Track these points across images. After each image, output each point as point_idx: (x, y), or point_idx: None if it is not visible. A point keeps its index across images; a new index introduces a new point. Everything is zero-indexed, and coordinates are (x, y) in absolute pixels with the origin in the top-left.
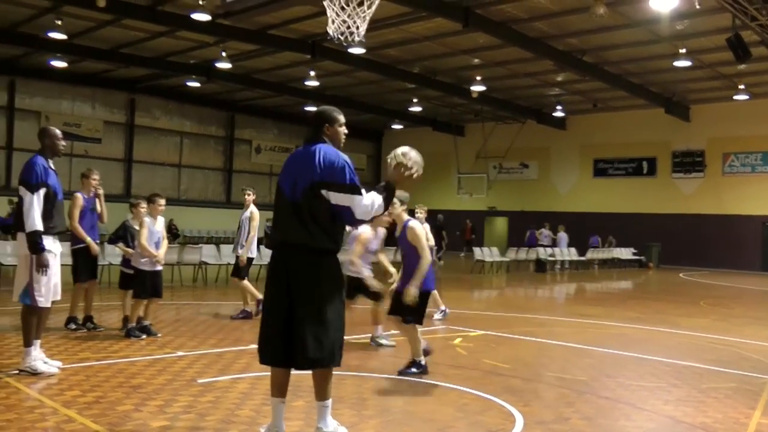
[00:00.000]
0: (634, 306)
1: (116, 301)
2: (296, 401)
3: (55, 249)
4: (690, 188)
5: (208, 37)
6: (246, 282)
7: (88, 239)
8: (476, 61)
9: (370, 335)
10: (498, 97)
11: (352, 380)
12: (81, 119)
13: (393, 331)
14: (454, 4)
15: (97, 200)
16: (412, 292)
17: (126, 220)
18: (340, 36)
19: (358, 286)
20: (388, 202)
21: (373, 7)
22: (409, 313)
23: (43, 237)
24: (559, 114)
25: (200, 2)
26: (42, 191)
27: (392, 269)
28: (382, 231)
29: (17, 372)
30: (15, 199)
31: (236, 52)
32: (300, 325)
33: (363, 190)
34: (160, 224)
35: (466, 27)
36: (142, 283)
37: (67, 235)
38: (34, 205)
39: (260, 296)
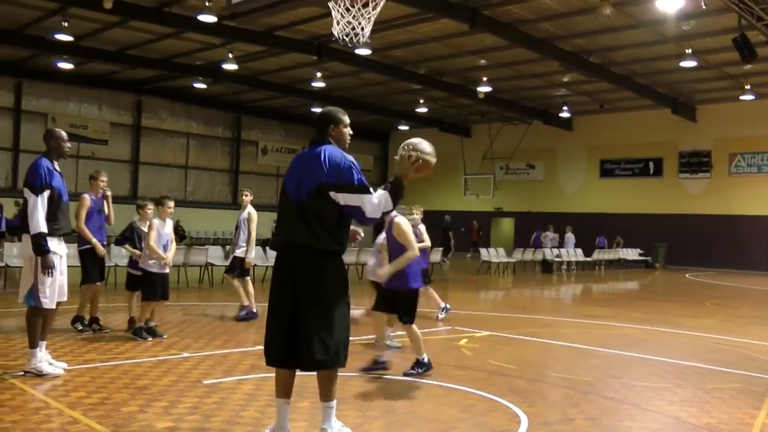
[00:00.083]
0: (639, 307)
1: (122, 302)
2: (301, 402)
3: (60, 250)
4: (696, 189)
5: (214, 38)
6: (247, 281)
7: (94, 240)
8: (483, 62)
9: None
10: (504, 98)
11: (357, 381)
12: (88, 121)
13: (399, 332)
14: (461, 5)
15: (104, 202)
16: (384, 271)
17: (133, 222)
18: (345, 37)
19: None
20: (396, 198)
21: (378, 8)
22: (405, 313)
23: (48, 238)
24: (565, 115)
25: (207, 3)
26: (46, 193)
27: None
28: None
29: (22, 373)
30: (21, 201)
31: (243, 54)
32: (305, 327)
33: (371, 189)
34: (168, 227)
35: (473, 28)
36: (152, 285)
37: (74, 237)
38: (38, 207)
39: (246, 303)
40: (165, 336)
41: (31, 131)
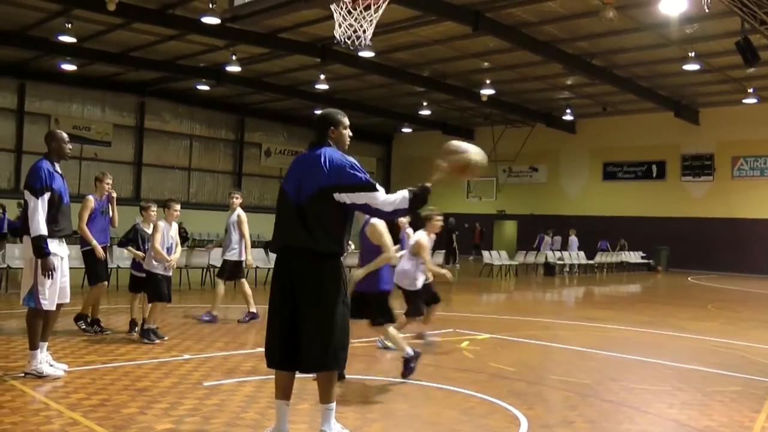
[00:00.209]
0: (641, 309)
1: (124, 304)
2: (301, 404)
3: (61, 252)
4: (699, 192)
5: (218, 40)
6: (244, 283)
7: (94, 242)
8: (486, 64)
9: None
10: (507, 101)
11: (357, 383)
12: (91, 122)
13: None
14: (464, 8)
15: (109, 204)
16: (358, 273)
17: (136, 224)
18: (347, 40)
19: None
20: (416, 203)
21: (380, 11)
22: (379, 315)
23: (49, 240)
24: (568, 117)
25: (210, 6)
26: (46, 196)
27: (442, 270)
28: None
29: (23, 375)
30: (23, 203)
31: (246, 56)
32: (304, 329)
33: (377, 185)
34: (174, 230)
35: (476, 30)
36: (157, 287)
37: (76, 238)
38: (39, 209)
39: (253, 309)
40: (166, 338)
41: (34, 133)
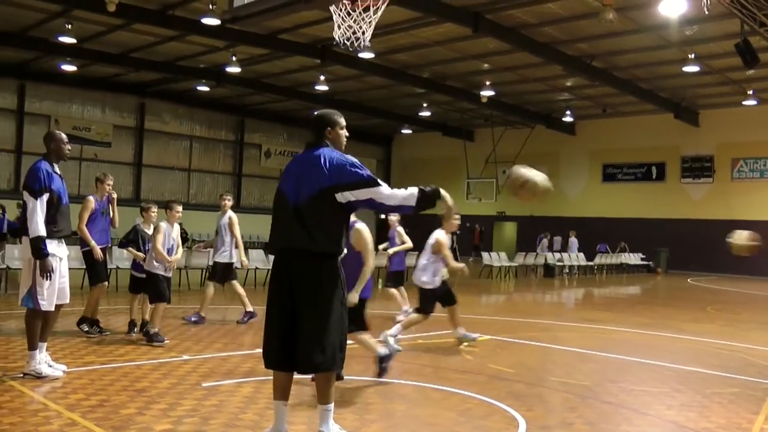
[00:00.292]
0: (641, 311)
1: (123, 305)
2: (299, 405)
3: (60, 253)
4: (699, 194)
5: (218, 41)
6: (241, 290)
7: (92, 243)
8: (486, 66)
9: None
10: (507, 102)
11: (356, 384)
12: (91, 123)
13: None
14: (464, 9)
15: (109, 205)
16: (353, 297)
17: (137, 224)
18: (346, 41)
19: (435, 298)
20: (424, 200)
21: (379, 13)
22: (350, 321)
23: (48, 241)
24: (568, 119)
25: (210, 7)
26: (45, 196)
27: (459, 264)
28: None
29: (22, 375)
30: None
31: (246, 57)
32: (302, 329)
33: (379, 180)
34: (176, 231)
35: (476, 32)
36: (158, 287)
37: (77, 239)
38: (38, 210)
39: (249, 308)
40: (166, 339)
41: (34, 133)
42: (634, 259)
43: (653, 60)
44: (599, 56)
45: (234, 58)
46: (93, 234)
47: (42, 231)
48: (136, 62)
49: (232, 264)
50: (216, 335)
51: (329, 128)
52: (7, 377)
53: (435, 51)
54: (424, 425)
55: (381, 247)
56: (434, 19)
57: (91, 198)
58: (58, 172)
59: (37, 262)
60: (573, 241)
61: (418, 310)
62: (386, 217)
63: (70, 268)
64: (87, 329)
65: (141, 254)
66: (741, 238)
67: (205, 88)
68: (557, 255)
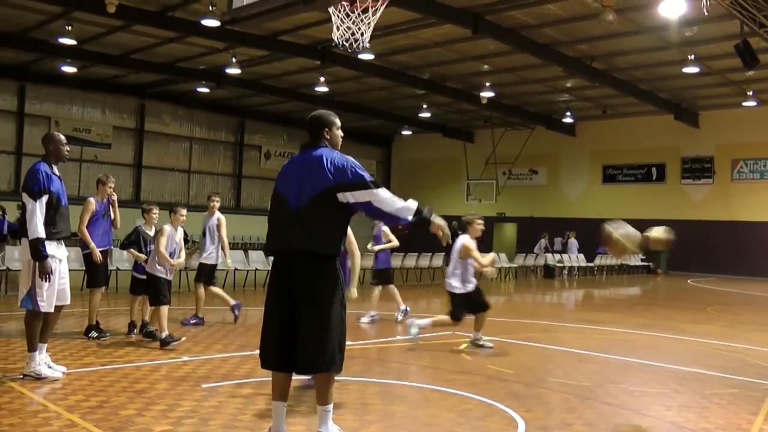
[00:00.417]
0: (641, 312)
1: (123, 306)
2: (298, 405)
3: (59, 254)
4: (699, 195)
5: (218, 42)
6: (219, 290)
7: (92, 245)
8: (486, 67)
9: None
10: (507, 103)
11: (355, 385)
12: (91, 124)
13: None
14: (464, 11)
15: (110, 206)
16: (353, 293)
17: (138, 226)
18: (345, 43)
19: (465, 303)
20: (420, 216)
21: (378, 14)
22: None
23: (47, 243)
24: (568, 120)
25: (210, 8)
26: (44, 198)
27: (488, 259)
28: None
29: (21, 377)
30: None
31: (246, 58)
32: (302, 330)
33: (378, 183)
34: (179, 234)
35: (476, 33)
36: (160, 290)
37: (78, 240)
38: (37, 212)
39: (232, 302)
40: (182, 338)
41: (34, 135)
42: (634, 260)
43: (653, 61)
44: (599, 57)
45: (234, 60)
46: (95, 236)
47: (41, 233)
48: (136, 64)
49: (215, 266)
50: (216, 336)
51: (327, 129)
52: (7, 378)
53: (435, 52)
54: (423, 426)
55: (369, 246)
56: (434, 20)
57: (92, 200)
58: (58, 174)
59: (37, 264)
60: (572, 242)
61: (449, 314)
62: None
63: (70, 270)
64: (96, 335)
65: (142, 255)
66: (658, 232)
67: (205, 90)
68: (557, 256)
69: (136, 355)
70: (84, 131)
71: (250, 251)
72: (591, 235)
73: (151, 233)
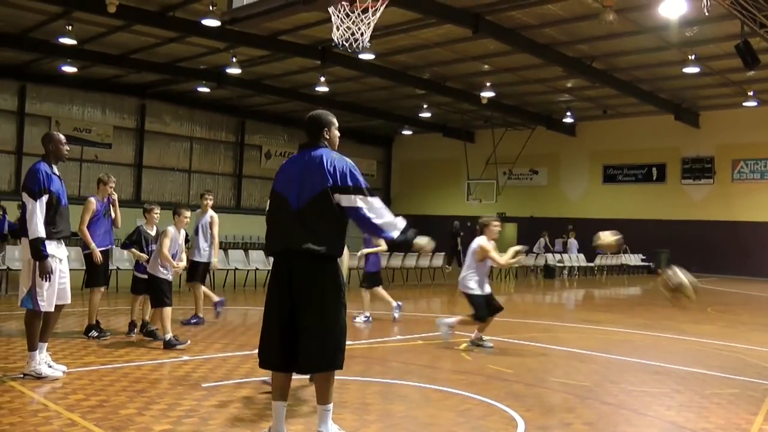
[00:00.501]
0: (641, 312)
1: (124, 305)
2: (299, 405)
3: (59, 254)
4: (699, 195)
5: (218, 42)
6: (203, 288)
7: (92, 245)
8: (486, 67)
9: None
10: (508, 104)
11: (355, 385)
12: (91, 124)
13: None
14: (464, 11)
15: (111, 206)
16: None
17: (140, 226)
18: (345, 43)
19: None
20: (407, 234)
21: (378, 14)
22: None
23: (47, 242)
24: (568, 120)
25: (211, 8)
26: (44, 198)
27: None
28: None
29: (22, 376)
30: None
31: (246, 58)
32: (302, 329)
33: (373, 192)
34: (182, 236)
35: (476, 33)
36: (162, 291)
37: (79, 240)
38: (37, 212)
39: (216, 298)
40: (187, 341)
41: (34, 135)
42: (634, 260)
43: (653, 61)
44: (599, 57)
45: (234, 60)
46: (97, 236)
47: (41, 232)
48: (136, 63)
49: (208, 264)
50: (216, 336)
51: (326, 129)
52: (7, 378)
53: (435, 52)
54: (422, 426)
55: (359, 253)
56: (434, 20)
57: (92, 199)
58: (57, 174)
59: (37, 264)
60: (573, 242)
61: (473, 317)
62: None
63: (70, 269)
64: (96, 335)
65: (144, 255)
66: (606, 236)
67: (206, 90)
68: (557, 256)
69: (137, 355)
70: (84, 131)
71: (250, 251)
72: (592, 235)
73: (153, 233)
